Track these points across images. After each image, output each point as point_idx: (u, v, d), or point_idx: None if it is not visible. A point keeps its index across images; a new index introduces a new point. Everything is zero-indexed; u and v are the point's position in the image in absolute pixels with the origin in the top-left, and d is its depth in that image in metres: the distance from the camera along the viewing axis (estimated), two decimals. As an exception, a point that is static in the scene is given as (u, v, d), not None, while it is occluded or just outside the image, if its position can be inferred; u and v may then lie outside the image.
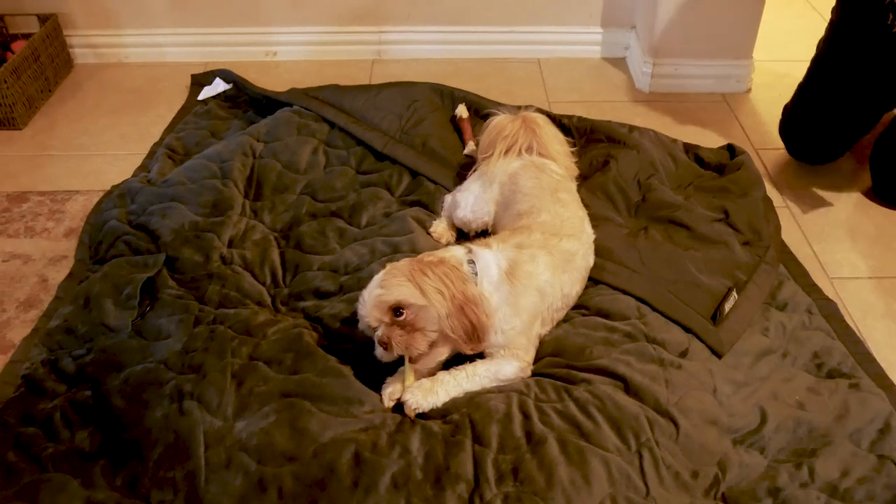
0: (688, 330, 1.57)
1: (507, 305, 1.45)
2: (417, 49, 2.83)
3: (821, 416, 1.45)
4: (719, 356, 1.53)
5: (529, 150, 1.80)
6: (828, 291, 1.79)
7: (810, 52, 2.17)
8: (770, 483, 1.35)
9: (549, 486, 1.26)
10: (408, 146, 2.08)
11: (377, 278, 1.40)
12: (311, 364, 1.46)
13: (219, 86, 2.57)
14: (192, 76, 2.66)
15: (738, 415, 1.44)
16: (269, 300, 1.69)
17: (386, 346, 1.38)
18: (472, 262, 1.45)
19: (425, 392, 1.40)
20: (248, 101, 2.49)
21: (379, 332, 1.39)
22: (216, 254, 1.77)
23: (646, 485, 1.30)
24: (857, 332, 1.69)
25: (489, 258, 1.47)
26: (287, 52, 2.85)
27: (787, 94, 2.25)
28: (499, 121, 1.84)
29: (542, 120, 1.85)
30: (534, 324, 1.51)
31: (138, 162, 2.26)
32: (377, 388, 1.46)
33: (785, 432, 1.43)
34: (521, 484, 1.27)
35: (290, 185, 1.99)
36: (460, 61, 2.82)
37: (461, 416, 1.37)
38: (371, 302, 1.38)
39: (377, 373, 1.48)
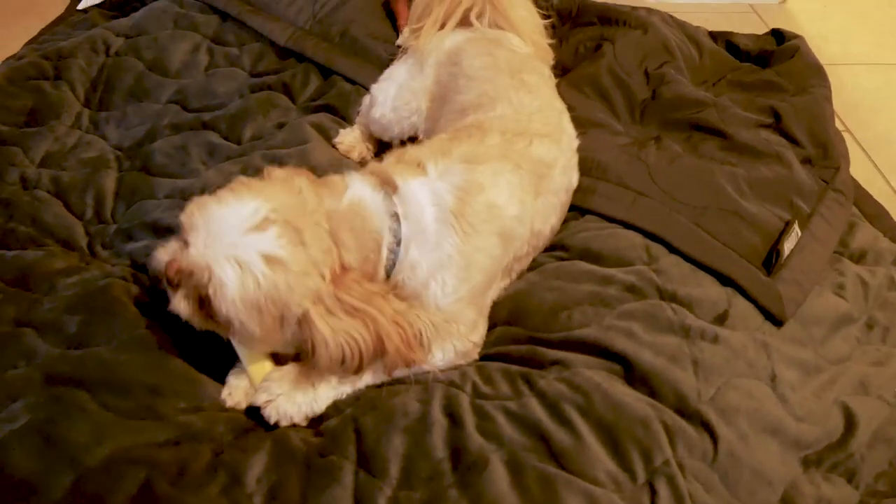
0: (727, 282, 1.04)
1: (448, 269, 0.91)
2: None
3: (940, 420, 0.91)
4: (779, 323, 0.98)
5: (480, 17, 1.23)
6: (920, 238, 1.23)
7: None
8: (867, 533, 0.81)
9: (487, 550, 0.70)
10: (320, 38, 1.51)
11: (252, 217, 0.83)
12: (107, 330, 0.91)
13: (103, -10, 2.01)
14: (74, -19, 2.10)
15: (811, 417, 0.95)
16: (83, 240, 1.14)
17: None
18: (395, 214, 0.89)
19: (291, 390, 0.84)
20: (136, 9, 1.93)
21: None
22: (15, 174, 1.23)
23: (662, 542, 0.75)
24: (973, 294, 1.13)
25: (422, 198, 0.91)
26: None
27: (831, 5, 1.69)
28: (439, -21, 1.27)
29: (502, -22, 1.27)
30: (490, 287, 0.98)
31: (-17, 79, 1.70)
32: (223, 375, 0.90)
33: (885, 446, 0.97)
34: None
35: (153, 90, 1.44)
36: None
37: (341, 423, 0.81)
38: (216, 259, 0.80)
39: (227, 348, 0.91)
